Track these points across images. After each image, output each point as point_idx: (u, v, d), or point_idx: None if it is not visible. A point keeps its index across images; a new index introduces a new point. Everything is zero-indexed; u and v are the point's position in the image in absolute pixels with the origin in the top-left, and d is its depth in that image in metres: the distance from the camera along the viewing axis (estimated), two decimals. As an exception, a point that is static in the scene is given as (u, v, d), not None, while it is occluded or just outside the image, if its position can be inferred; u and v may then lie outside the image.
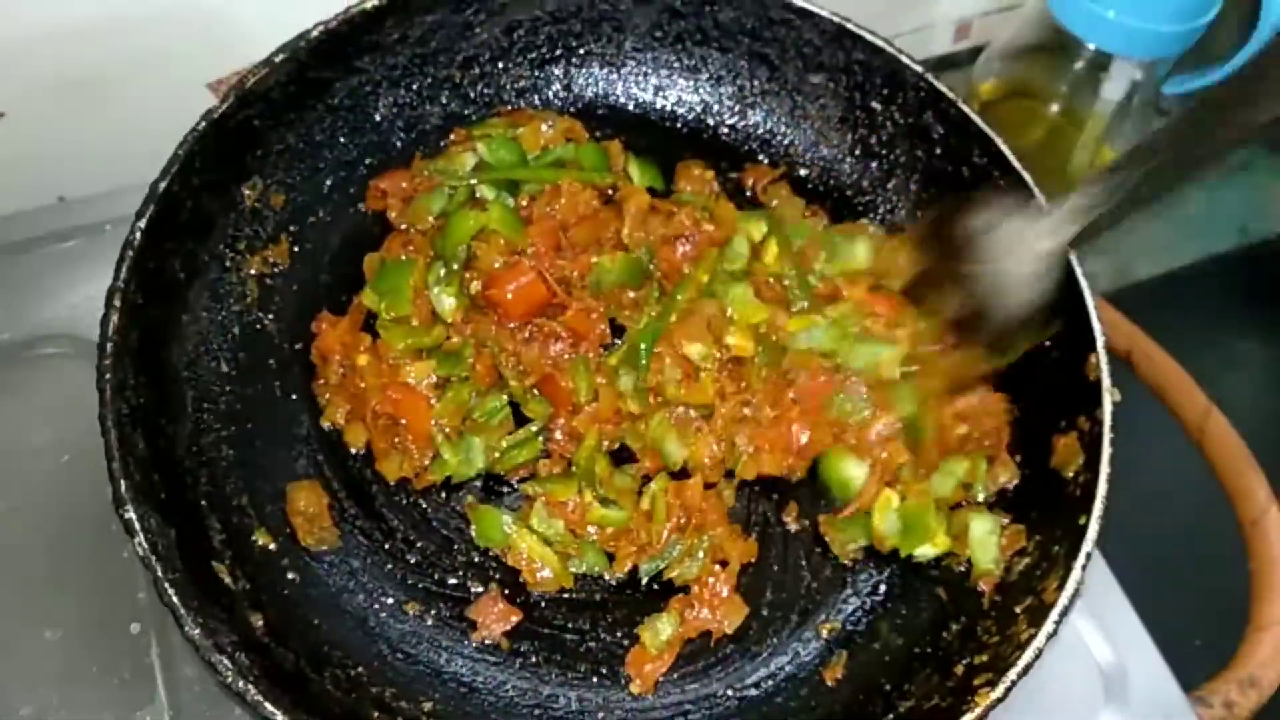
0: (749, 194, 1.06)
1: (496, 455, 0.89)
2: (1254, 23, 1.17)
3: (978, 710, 0.72)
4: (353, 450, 0.90)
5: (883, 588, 0.91)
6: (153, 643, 0.85)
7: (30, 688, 0.82)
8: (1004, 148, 0.96)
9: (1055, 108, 1.29)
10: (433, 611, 0.85)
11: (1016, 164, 0.95)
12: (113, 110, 1.07)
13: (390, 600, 0.85)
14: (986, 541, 0.87)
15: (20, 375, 0.95)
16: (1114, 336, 0.87)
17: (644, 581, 0.88)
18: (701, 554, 0.87)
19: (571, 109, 1.08)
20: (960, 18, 1.48)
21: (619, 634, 0.87)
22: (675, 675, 0.86)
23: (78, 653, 0.84)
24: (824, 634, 0.88)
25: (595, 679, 0.85)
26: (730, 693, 0.86)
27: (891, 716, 0.81)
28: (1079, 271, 0.90)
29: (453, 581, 0.87)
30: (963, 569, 0.89)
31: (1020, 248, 0.83)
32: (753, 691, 0.86)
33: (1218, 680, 0.92)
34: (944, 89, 0.99)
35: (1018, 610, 0.81)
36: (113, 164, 0.98)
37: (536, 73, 1.06)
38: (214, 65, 1.09)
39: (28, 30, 0.98)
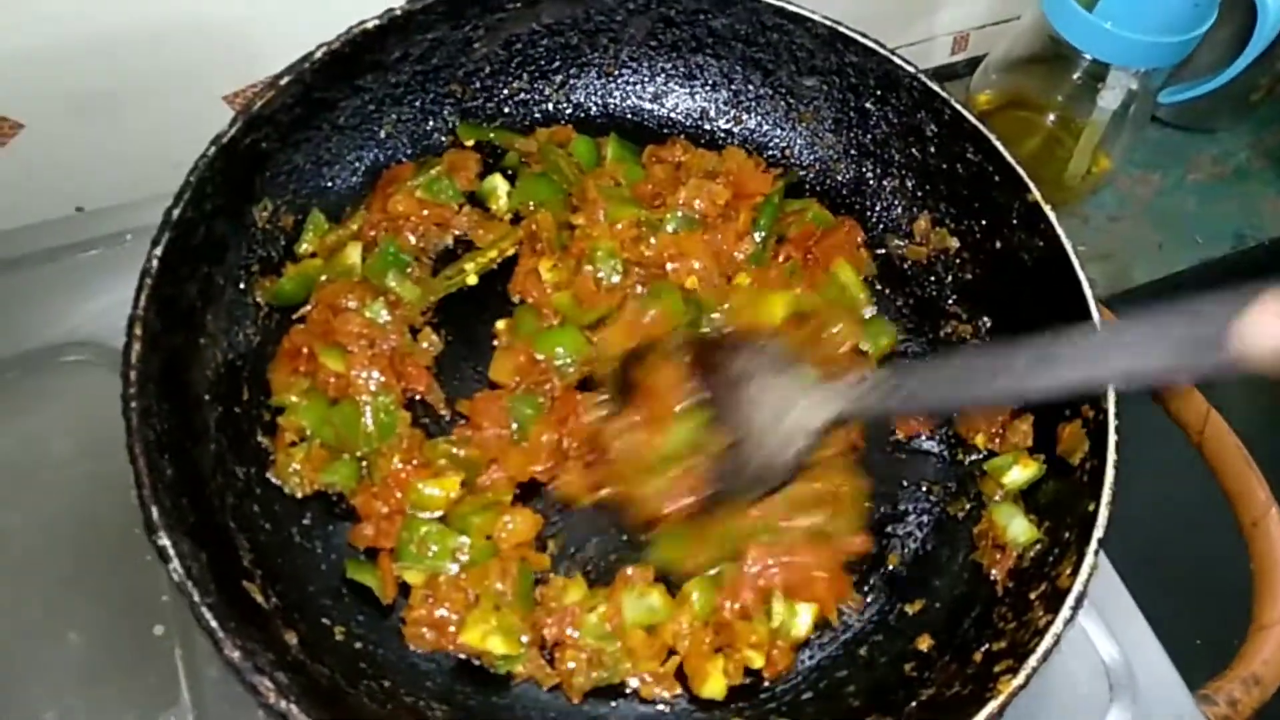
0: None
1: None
2: (1248, 33, 1.19)
3: (1001, 698, 0.73)
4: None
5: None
6: (176, 644, 0.85)
7: (54, 691, 0.82)
8: (998, 144, 0.97)
9: (1052, 118, 1.30)
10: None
11: (1010, 159, 0.96)
12: (130, 122, 1.09)
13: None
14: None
15: (44, 383, 0.95)
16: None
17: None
18: None
19: (570, 118, 1.09)
20: (958, 30, 1.51)
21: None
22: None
23: (102, 655, 0.84)
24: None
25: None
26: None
27: (914, 705, 0.82)
28: (1080, 273, 0.91)
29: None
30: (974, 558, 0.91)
31: (785, 414, 0.81)
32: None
33: (1222, 679, 0.93)
34: (936, 88, 1.00)
35: (1032, 597, 0.83)
36: (130, 175, 0.99)
37: (535, 84, 1.07)
38: (231, 78, 1.11)
39: (47, 44, 0.99)
